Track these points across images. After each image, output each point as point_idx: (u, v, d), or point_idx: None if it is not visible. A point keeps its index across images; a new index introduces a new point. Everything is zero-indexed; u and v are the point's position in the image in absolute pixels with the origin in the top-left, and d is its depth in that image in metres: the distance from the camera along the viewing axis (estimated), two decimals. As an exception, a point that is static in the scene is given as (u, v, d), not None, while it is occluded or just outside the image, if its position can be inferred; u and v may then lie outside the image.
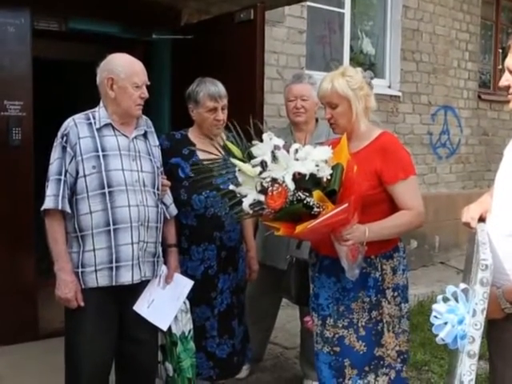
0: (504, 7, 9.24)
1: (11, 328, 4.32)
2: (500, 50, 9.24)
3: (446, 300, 2.05)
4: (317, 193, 2.36)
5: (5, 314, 4.29)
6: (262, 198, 2.40)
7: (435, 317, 2.07)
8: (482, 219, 2.34)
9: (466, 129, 8.46)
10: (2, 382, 3.86)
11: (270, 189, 2.36)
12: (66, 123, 2.82)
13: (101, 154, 2.76)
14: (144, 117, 2.99)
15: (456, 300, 2.03)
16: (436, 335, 2.07)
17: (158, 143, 3.07)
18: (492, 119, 8.91)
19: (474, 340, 1.87)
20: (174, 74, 5.42)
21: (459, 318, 1.98)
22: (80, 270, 2.77)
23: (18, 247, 4.39)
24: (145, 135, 2.97)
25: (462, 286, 2.04)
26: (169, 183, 3.09)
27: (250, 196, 2.43)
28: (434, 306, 2.08)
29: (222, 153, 2.63)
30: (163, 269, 3.04)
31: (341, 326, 2.75)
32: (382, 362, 2.74)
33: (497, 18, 9.17)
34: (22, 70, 4.38)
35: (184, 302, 3.09)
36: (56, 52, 6.41)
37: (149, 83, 2.90)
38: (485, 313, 1.87)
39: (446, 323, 2.01)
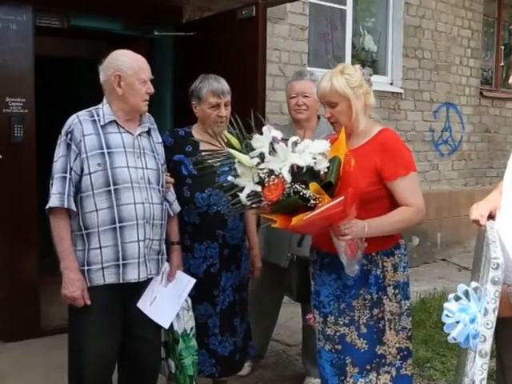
0: (506, 4, 9.20)
1: (14, 325, 4.34)
2: (502, 47, 9.23)
3: (457, 299, 2.04)
4: (313, 185, 2.36)
5: (7, 311, 4.31)
6: (259, 189, 2.40)
7: (447, 315, 2.05)
8: (491, 216, 2.34)
9: (467, 126, 8.45)
10: (4, 378, 3.87)
11: (267, 180, 2.37)
12: (69, 120, 2.80)
13: (106, 151, 2.76)
14: (147, 114, 2.98)
15: (468, 298, 2.02)
16: (444, 333, 2.06)
17: (161, 140, 3.07)
18: (494, 116, 8.90)
19: (486, 339, 1.86)
20: (176, 71, 5.43)
21: (471, 317, 1.97)
22: (86, 267, 2.76)
23: (21, 244, 4.40)
24: (148, 132, 2.97)
25: (474, 284, 2.03)
26: (172, 180, 3.10)
27: (247, 187, 2.44)
28: (446, 305, 2.06)
29: (224, 148, 2.62)
30: (166, 266, 3.03)
31: (342, 323, 2.75)
32: (383, 361, 2.74)
33: (499, 15, 9.15)
34: (24, 67, 4.38)
35: (186, 300, 3.09)
36: (58, 49, 6.42)
37: (153, 78, 2.90)
38: (496, 312, 1.87)
39: (457, 322, 2.00)
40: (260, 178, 2.40)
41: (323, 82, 2.74)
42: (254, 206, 2.48)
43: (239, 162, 2.48)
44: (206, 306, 3.31)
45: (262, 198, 2.40)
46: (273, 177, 2.36)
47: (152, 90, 2.87)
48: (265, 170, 2.39)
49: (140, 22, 5.18)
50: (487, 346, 1.86)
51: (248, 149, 2.48)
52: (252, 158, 2.44)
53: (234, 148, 2.52)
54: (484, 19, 8.67)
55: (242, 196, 2.44)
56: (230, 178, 2.55)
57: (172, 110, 5.53)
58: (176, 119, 5.34)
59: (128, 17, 5.07)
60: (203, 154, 3.05)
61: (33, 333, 4.44)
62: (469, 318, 1.97)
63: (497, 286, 1.86)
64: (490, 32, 9.09)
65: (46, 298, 4.49)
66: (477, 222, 2.37)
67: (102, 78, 2.86)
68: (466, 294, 2.02)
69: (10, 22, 4.30)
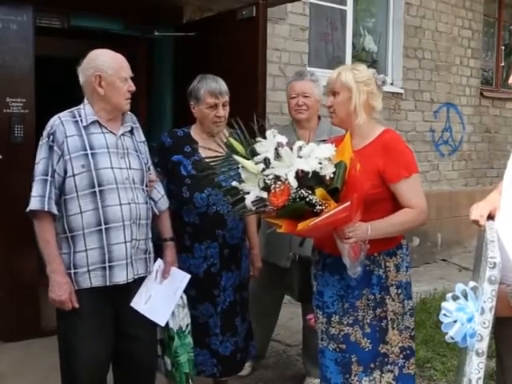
0: (506, 4, 9.21)
1: (13, 325, 4.34)
2: (502, 47, 9.23)
3: (455, 298, 2.05)
4: (319, 190, 2.36)
5: (7, 312, 4.31)
6: (264, 195, 2.39)
7: (444, 315, 2.06)
8: (490, 217, 2.34)
9: (468, 126, 8.45)
10: (4, 378, 3.86)
11: (273, 186, 2.36)
12: (51, 122, 2.77)
13: (89, 152, 2.72)
14: (129, 113, 2.95)
15: (465, 298, 2.02)
16: (444, 333, 2.06)
17: (143, 139, 3.03)
18: (494, 116, 8.91)
19: (482, 338, 1.87)
20: (176, 72, 5.43)
21: (468, 316, 1.97)
22: (72, 270, 2.73)
23: (20, 244, 4.38)
24: (131, 132, 2.93)
25: (472, 283, 2.04)
26: (156, 179, 3.08)
27: (252, 193, 2.43)
28: (444, 304, 2.07)
29: (225, 150, 2.62)
30: (160, 263, 3.01)
31: (346, 323, 2.75)
32: (386, 359, 2.75)
33: (499, 15, 9.15)
34: (24, 68, 4.38)
35: (181, 297, 3.07)
36: (58, 49, 6.42)
37: (133, 75, 2.86)
38: (493, 311, 1.87)
39: (455, 321, 2.01)
40: (265, 183, 2.39)
41: (333, 73, 2.80)
42: (258, 210, 2.48)
43: (243, 167, 2.47)
44: (207, 306, 3.30)
45: (268, 203, 2.39)
46: (279, 183, 2.35)
47: (133, 87, 2.84)
48: (270, 176, 2.38)
49: (140, 22, 5.18)
50: (484, 345, 1.86)
51: (252, 153, 2.47)
52: (257, 163, 2.43)
53: (237, 153, 2.51)
54: (484, 19, 8.67)
55: (248, 201, 2.43)
56: (234, 183, 2.54)
57: (172, 110, 5.53)
58: (176, 119, 5.34)
59: (128, 17, 5.07)
60: (205, 159, 3.02)
61: (33, 333, 4.43)
62: (466, 317, 1.98)
63: (493, 285, 1.86)
64: (490, 32, 9.09)
65: (46, 299, 4.45)
66: (476, 222, 2.38)
67: (81, 79, 2.82)
68: (465, 293, 2.03)
69: (11, 22, 4.30)
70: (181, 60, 5.32)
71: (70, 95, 7.41)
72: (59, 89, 7.96)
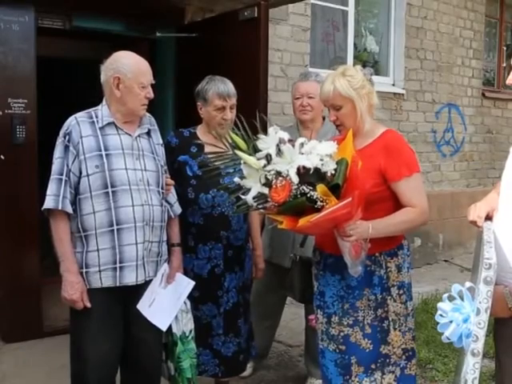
0: (508, 5, 9.20)
1: (16, 326, 4.34)
2: (504, 48, 9.23)
3: (451, 298, 2.05)
4: (321, 187, 2.35)
5: (10, 312, 4.31)
6: (265, 190, 2.40)
7: (440, 315, 2.07)
8: (488, 217, 2.33)
9: (469, 126, 8.44)
10: (6, 379, 3.87)
11: (274, 182, 2.36)
12: (68, 122, 2.78)
13: (104, 153, 2.73)
14: (147, 114, 2.95)
15: (461, 298, 2.02)
16: (441, 333, 2.06)
17: (161, 141, 3.04)
18: (496, 117, 8.90)
19: (478, 339, 1.87)
20: (177, 72, 5.43)
21: (464, 317, 1.98)
22: (84, 270, 2.74)
23: (22, 245, 4.40)
24: (148, 133, 2.94)
25: (468, 284, 2.04)
26: (173, 182, 3.08)
27: (254, 189, 2.43)
28: (440, 305, 2.07)
29: (229, 148, 2.61)
30: (165, 268, 3.00)
31: (346, 324, 2.75)
32: (387, 360, 2.74)
33: (501, 16, 9.15)
34: (26, 68, 4.39)
35: (184, 302, 3.07)
36: (60, 50, 6.43)
37: (154, 82, 2.88)
38: (489, 311, 1.88)
39: (451, 322, 2.01)
40: (267, 179, 2.39)
41: (326, 86, 2.73)
42: (260, 207, 2.48)
43: (245, 163, 2.47)
44: (210, 307, 3.30)
45: (269, 199, 2.39)
46: (280, 178, 2.35)
47: (151, 95, 2.83)
48: (272, 172, 2.38)
49: (142, 22, 5.19)
50: (479, 346, 1.87)
51: (254, 150, 2.47)
52: (259, 159, 2.43)
53: (239, 149, 2.51)
54: (486, 20, 8.68)
55: (249, 197, 2.43)
56: (236, 179, 2.54)
57: (174, 110, 5.53)
58: (178, 120, 5.35)
59: (130, 18, 5.07)
60: (208, 156, 3.03)
61: (35, 334, 4.44)
62: (462, 317, 1.99)
63: (489, 285, 1.87)
64: (492, 33, 9.10)
65: (48, 299, 4.49)
66: (474, 223, 2.37)
67: (102, 78, 2.83)
68: (461, 294, 2.03)
69: (12, 22, 4.30)
70: (182, 61, 5.32)
71: (71, 96, 7.45)
72: (61, 89, 7.98)
